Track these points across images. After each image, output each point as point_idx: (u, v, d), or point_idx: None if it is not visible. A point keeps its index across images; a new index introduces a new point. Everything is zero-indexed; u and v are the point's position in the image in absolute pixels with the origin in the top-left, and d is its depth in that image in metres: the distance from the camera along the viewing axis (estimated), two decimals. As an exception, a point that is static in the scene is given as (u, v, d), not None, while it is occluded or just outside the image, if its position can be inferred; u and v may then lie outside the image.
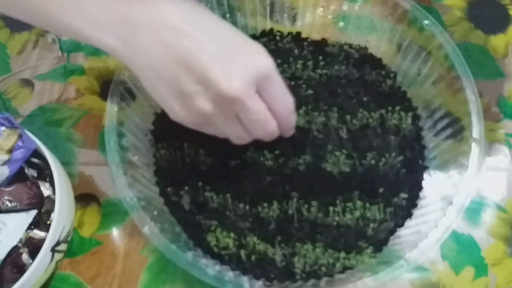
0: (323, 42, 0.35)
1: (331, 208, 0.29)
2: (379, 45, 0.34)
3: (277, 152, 0.30)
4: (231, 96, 0.21)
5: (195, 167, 0.31)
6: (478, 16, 0.40)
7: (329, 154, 0.30)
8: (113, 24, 0.21)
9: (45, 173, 0.31)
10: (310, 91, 0.33)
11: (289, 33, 0.35)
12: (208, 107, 0.22)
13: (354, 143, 0.31)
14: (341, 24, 0.35)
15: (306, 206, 0.29)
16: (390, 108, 0.32)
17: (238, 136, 0.25)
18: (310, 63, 0.33)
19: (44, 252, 0.27)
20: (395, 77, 0.34)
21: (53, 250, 0.28)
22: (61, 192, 0.28)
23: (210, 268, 0.26)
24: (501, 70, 0.37)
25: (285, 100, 0.25)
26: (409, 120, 0.32)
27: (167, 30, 0.20)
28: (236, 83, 0.21)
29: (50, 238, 0.27)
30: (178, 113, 0.23)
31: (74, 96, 0.37)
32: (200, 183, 0.30)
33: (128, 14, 0.21)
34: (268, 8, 0.35)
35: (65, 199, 0.28)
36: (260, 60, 0.22)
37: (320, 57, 0.34)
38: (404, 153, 0.31)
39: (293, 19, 0.36)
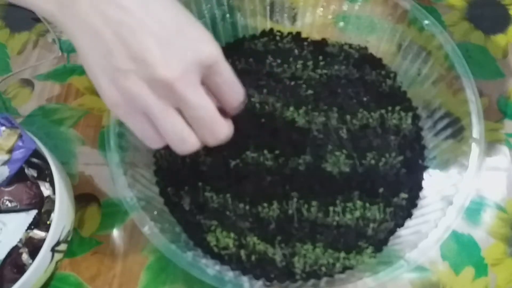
0: (323, 42, 0.35)
1: (331, 208, 0.29)
2: (379, 45, 0.34)
3: (277, 152, 0.30)
4: (165, 80, 0.19)
5: (195, 167, 0.31)
6: (478, 16, 0.40)
7: (329, 154, 0.30)
8: None
9: (45, 173, 0.31)
10: (310, 91, 0.32)
11: (289, 33, 0.35)
12: (138, 88, 0.20)
13: (354, 143, 0.31)
14: (341, 24, 0.35)
15: (306, 206, 0.29)
16: (390, 108, 0.32)
17: (178, 136, 0.21)
18: (310, 63, 0.33)
19: (44, 252, 0.27)
20: (395, 77, 0.34)
21: (53, 250, 0.28)
22: (61, 192, 0.28)
23: (210, 268, 0.25)
24: (501, 70, 0.37)
25: (234, 91, 0.23)
26: (409, 120, 0.32)
27: (109, 3, 0.19)
28: (173, 67, 0.19)
29: (50, 238, 0.27)
30: (105, 91, 0.20)
31: (74, 96, 0.37)
32: (200, 183, 0.30)
33: None
34: (268, 8, 0.35)
35: (65, 199, 0.28)
36: (204, 47, 0.21)
37: (320, 57, 0.34)
38: (404, 153, 0.31)
39: (293, 19, 0.35)
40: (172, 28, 0.20)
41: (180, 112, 0.21)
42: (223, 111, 0.23)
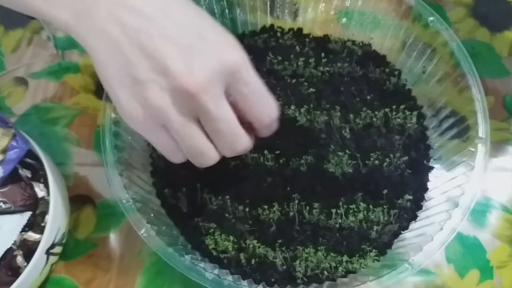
0: (325, 39, 0.35)
1: (333, 210, 0.28)
2: (383, 42, 0.34)
3: (277, 152, 0.30)
4: (189, 91, 0.18)
5: (193, 167, 0.30)
6: (484, 13, 0.39)
7: (331, 154, 0.30)
8: None
9: (39, 174, 0.30)
10: (312, 89, 0.32)
11: (290, 29, 0.35)
12: (160, 100, 0.19)
13: (357, 143, 0.30)
14: (344, 20, 0.34)
15: (307, 208, 0.28)
16: (394, 106, 0.31)
17: (198, 150, 0.20)
18: (312, 60, 0.33)
19: (39, 254, 0.26)
20: (399, 74, 0.33)
21: (48, 252, 0.27)
22: (55, 193, 0.27)
23: (209, 272, 0.25)
24: (507, 68, 0.37)
25: (263, 104, 0.22)
26: (414, 119, 0.31)
27: (126, 10, 0.18)
28: (197, 76, 0.18)
29: (45, 240, 0.26)
30: (124, 104, 0.19)
31: (69, 95, 0.36)
32: (198, 185, 0.29)
33: None
34: (268, 3, 0.34)
35: (59, 200, 0.28)
36: (228, 53, 0.19)
37: (322, 54, 0.33)
38: (409, 153, 0.30)
39: (295, 14, 0.35)
40: (193, 33, 0.19)
41: (199, 122, 0.20)
42: (249, 126, 0.22)
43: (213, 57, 0.19)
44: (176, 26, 0.19)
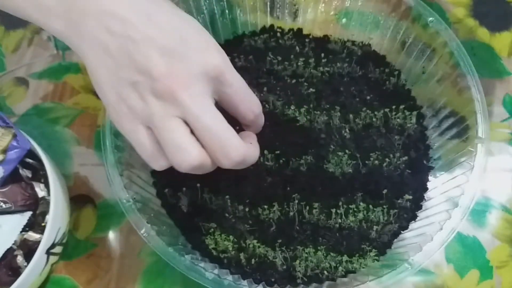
0: (325, 39, 0.35)
1: (333, 210, 0.28)
2: (382, 42, 0.34)
3: (277, 152, 0.30)
4: (169, 90, 0.19)
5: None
6: (483, 13, 0.39)
7: (331, 154, 0.30)
8: (61, 9, 0.20)
9: (39, 174, 0.30)
10: (311, 90, 0.32)
11: (290, 30, 0.35)
12: (144, 100, 0.19)
13: (357, 143, 0.30)
14: (344, 20, 0.34)
15: (307, 208, 0.28)
16: (394, 107, 0.31)
17: (177, 144, 0.20)
18: (311, 60, 0.33)
19: (39, 254, 0.26)
20: (399, 75, 0.33)
21: (48, 252, 0.27)
22: (56, 193, 0.27)
23: (209, 271, 0.25)
24: (507, 69, 0.37)
25: (247, 101, 0.22)
26: (414, 119, 0.31)
27: (114, 19, 0.19)
28: (178, 76, 0.19)
29: (45, 240, 0.26)
30: (111, 107, 0.20)
31: (69, 95, 0.36)
32: (198, 184, 0.29)
33: (76, 0, 0.20)
34: (268, 3, 0.34)
35: (60, 200, 0.28)
36: (209, 56, 0.20)
37: (322, 55, 0.33)
38: (408, 153, 0.30)
39: (294, 15, 0.35)
40: (175, 38, 0.20)
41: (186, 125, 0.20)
42: (252, 136, 0.22)
43: (195, 60, 0.20)
44: (160, 31, 0.20)
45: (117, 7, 0.20)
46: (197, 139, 0.20)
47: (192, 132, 0.20)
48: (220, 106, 0.22)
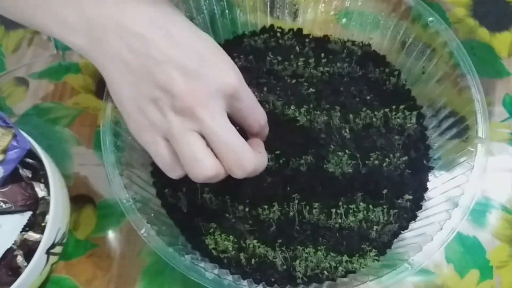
0: (325, 39, 0.35)
1: (333, 210, 0.28)
2: (382, 42, 0.34)
3: (277, 152, 0.30)
4: (188, 107, 0.20)
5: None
6: (483, 13, 0.39)
7: (331, 154, 0.30)
8: (81, 26, 0.21)
9: (39, 174, 0.30)
10: (311, 90, 0.32)
11: (290, 30, 0.35)
12: (163, 114, 0.21)
13: (357, 143, 0.30)
14: (344, 20, 0.34)
15: (307, 208, 0.28)
16: (394, 107, 0.31)
17: (195, 155, 0.21)
18: (311, 60, 0.33)
19: (39, 254, 0.26)
20: (399, 75, 0.33)
21: (48, 252, 0.27)
22: (56, 193, 0.27)
23: (209, 271, 0.25)
24: (507, 69, 0.37)
25: (255, 114, 0.24)
26: (414, 119, 0.31)
27: (135, 37, 0.20)
28: (197, 95, 0.20)
29: (45, 240, 0.26)
30: (133, 119, 0.21)
31: (69, 95, 0.36)
32: (198, 184, 0.29)
33: (97, 17, 0.21)
34: (268, 3, 0.34)
35: (60, 200, 0.28)
36: (226, 76, 0.21)
37: (322, 55, 0.33)
38: (408, 153, 0.30)
39: (294, 15, 0.35)
40: (195, 57, 0.21)
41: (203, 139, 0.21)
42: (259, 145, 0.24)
43: (213, 79, 0.21)
44: (179, 50, 0.21)
45: (138, 24, 0.20)
46: (213, 152, 0.22)
47: (207, 144, 0.21)
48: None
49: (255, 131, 0.25)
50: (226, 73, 0.21)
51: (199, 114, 0.20)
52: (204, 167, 0.21)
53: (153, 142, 0.22)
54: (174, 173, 0.23)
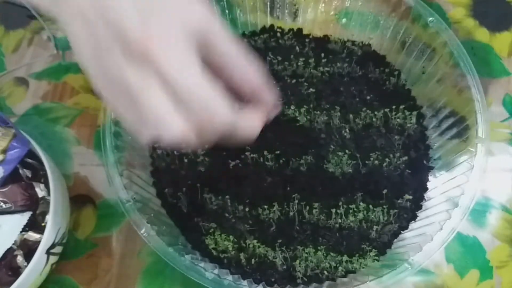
0: (325, 39, 0.35)
1: (333, 210, 0.28)
2: (382, 42, 0.34)
3: (277, 152, 0.30)
4: (144, 48, 0.17)
5: (193, 167, 0.30)
6: (483, 13, 0.39)
7: (331, 154, 0.30)
8: None
9: (39, 174, 0.30)
10: (312, 89, 0.32)
11: (290, 30, 0.35)
12: (118, 62, 0.17)
13: (357, 143, 0.30)
14: (344, 20, 0.34)
15: (307, 208, 0.28)
16: (394, 107, 0.31)
17: (155, 112, 0.17)
18: (311, 60, 0.33)
19: (39, 254, 0.26)
20: (399, 75, 0.33)
21: (48, 252, 0.27)
22: (56, 193, 0.27)
23: (209, 271, 0.25)
24: (507, 69, 0.37)
25: (242, 66, 0.19)
26: (414, 119, 0.31)
27: None
28: (151, 33, 0.17)
29: (45, 240, 0.26)
30: (93, 77, 0.18)
31: (69, 95, 0.36)
32: (198, 184, 0.29)
33: None
34: (268, 3, 0.34)
35: (60, 200, 0.28)
36: (192, 10, 0.18)
37: (322, 54, 0.33)
38: (408, 153, 0.30)
39: (294, 15, 0.35)
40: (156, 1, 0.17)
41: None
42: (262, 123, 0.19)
43: (174, 14, 0.17)
44: None
45: None
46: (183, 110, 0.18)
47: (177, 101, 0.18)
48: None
49: (248, 92, 0.20)
50: (192, 5, 0.18)
51: (156, 58, 0.17)
52: (169, 127, 0.18)
53: (116, 101, 0.18)
54: (141, 136, 0.19)
